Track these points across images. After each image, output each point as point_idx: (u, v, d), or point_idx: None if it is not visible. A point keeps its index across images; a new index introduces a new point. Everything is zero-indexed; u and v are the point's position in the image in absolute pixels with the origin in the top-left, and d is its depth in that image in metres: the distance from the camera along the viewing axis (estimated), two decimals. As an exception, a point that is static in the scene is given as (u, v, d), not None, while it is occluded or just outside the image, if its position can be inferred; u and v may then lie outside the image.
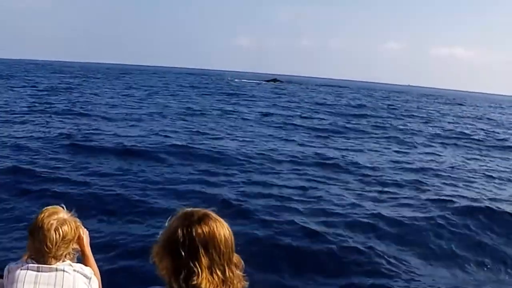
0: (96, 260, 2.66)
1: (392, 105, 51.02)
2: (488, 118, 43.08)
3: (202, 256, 1.71)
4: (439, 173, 14.39)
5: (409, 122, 31.13)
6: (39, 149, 13.51)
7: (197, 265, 1.70)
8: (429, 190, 11.96)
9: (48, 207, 2.47)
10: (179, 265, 1.71)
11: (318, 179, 12.33)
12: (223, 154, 14.53)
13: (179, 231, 1.74)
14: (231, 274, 1.73)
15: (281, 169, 13.26)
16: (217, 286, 1.70)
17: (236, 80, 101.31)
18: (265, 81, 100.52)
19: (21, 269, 2.34)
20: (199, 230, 1.73)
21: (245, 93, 54.03)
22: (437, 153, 18.87)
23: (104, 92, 39.94)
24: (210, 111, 28.62)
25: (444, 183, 12.89)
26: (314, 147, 17.94)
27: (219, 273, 1.71)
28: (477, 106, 71.91)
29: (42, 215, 2.40)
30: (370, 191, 11.41)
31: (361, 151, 17.98)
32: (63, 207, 2.50)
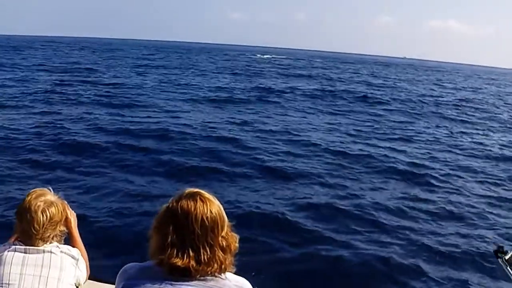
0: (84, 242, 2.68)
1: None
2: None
3: (171, 234, 1.73)
4: None
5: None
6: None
7: (167, 239, 1.73)
8: None
9: (35, 189, 2.47)
10: (155, 241, 1.78)
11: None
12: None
13: (163, 207, 1.81)
14: (207, 255, 1.72)
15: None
16: (188, 263, 1.70)
17: (266, 56, 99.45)
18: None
19: (8, 251, 2.34)
20: (175, 207, 1.77)
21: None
22: None
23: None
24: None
25: None
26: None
27: (191, 252, 1.71)
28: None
29: (29, 197, 2.39)
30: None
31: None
32: (50, 190, 2.51)
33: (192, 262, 1.70)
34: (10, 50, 60.08)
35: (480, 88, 49.98)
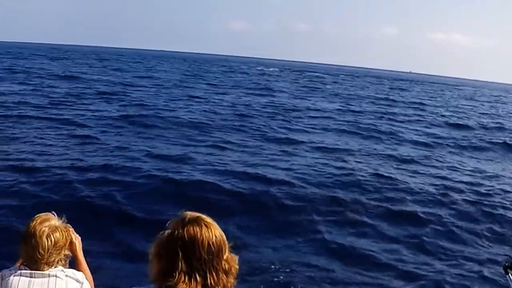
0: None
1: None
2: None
3: (180, 260, 1.74)
4: None
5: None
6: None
7: (175, 268, 1.75)
8: None
9: (40, 214, 2.51)
10: (161, 266, 1.78)
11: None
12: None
13: (165, 233, 1.81)
14: (213, 280, 1.74)
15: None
16: (197, 285, 1.72)
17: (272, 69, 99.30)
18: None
19: (14, 276, 2.38)
20: (181, 234, 1.77)
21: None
22: None
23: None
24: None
25: None
26: None
27: (198, 278, 1.73)
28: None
29: (34, 223, 2.43)
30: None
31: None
32: (54, 214, 2.54)
33: (199, 287, 1.72)
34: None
35: None
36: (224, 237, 1.82)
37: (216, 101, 27.86)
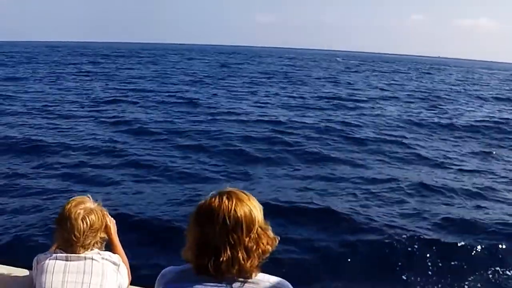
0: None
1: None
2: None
3: (197, 233, 1.72)
4: None
5: None
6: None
7: (192, 239, 1.73)
8: None
9: (75, 197, 2.48)
10: (187, 238, 1.77)
11: None
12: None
13: (199, 203, 1.79)
14: (226, 256, 1.66)
15: None
16: (207, 263, 1.67)
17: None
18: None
19: (49, 259, 2.36)
20: (202, 206, 1.75)
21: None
22: None
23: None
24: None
25: None
26: None
27: (211, 251, 1.68)
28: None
29: (69, 205, 2.41)
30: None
31: None
32: (89, 197, 2.51)
33: (212, 262, 1.66)
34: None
35: None
36: (255, 214, 1.71)
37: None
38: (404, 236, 7.10)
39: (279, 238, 1.76)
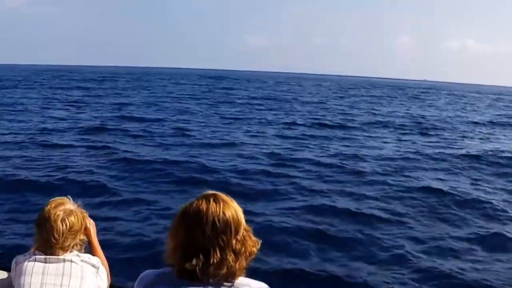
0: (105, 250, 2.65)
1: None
2: None
3: (184, 236, 1.70)
4: None
5: None
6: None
7: (177, 242, 1.72)
8: None
9: (54, 198, 2.47)
10: (170, 244, 1.75)
11: None
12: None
13: (180, 208, 1.78)
14: (217, 258, 1.66)
15: None
16: (196, 266, 1.66)
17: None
18: None
19: (28, 261, 2.33)
20: (188, 209, 1.74)
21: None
22: None
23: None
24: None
25: None
26: None
27: (200, 254, 1.66)
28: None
29: (48, 206, 2.39)
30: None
31: None
32: (69, 198, 2.50)
33: (200, 265, 1.65)
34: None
35: None
36: (240, 216, 1.74)
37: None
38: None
39: (261, 241, 1.78)
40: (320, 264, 6.93)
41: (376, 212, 9.49)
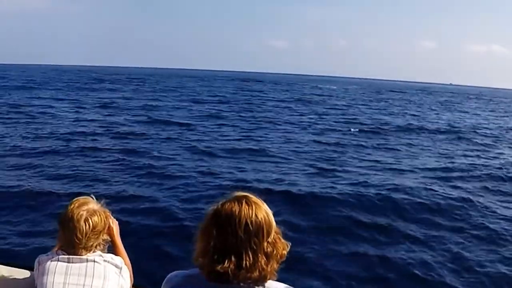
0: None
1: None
2: None
3: (215, 238, 1.68)
4: None
5: None
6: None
7: (209, 244, 1.69)
8: None
9: (78, 197, 2.45)
10: (200, 245, 1.73)
11: None
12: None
13: (209, 210, 1.76)
14: (249, 261, 1.64)
15: None
16: (228, 268, 1.63)
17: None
18: None
19: (51, 261, 2.33)
20: (219, 211, 1.71)
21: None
22: None
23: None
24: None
25: None
26: None
27: (233, 258, 1.64)
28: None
29: (72, 206, 2.38)
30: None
31: None
32: (92, 198, 2.48)
33: (232, 267, 1.63)
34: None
35: None
36: (271, 219, 1.72)
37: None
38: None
39: (290, 244, 1.76)
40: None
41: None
